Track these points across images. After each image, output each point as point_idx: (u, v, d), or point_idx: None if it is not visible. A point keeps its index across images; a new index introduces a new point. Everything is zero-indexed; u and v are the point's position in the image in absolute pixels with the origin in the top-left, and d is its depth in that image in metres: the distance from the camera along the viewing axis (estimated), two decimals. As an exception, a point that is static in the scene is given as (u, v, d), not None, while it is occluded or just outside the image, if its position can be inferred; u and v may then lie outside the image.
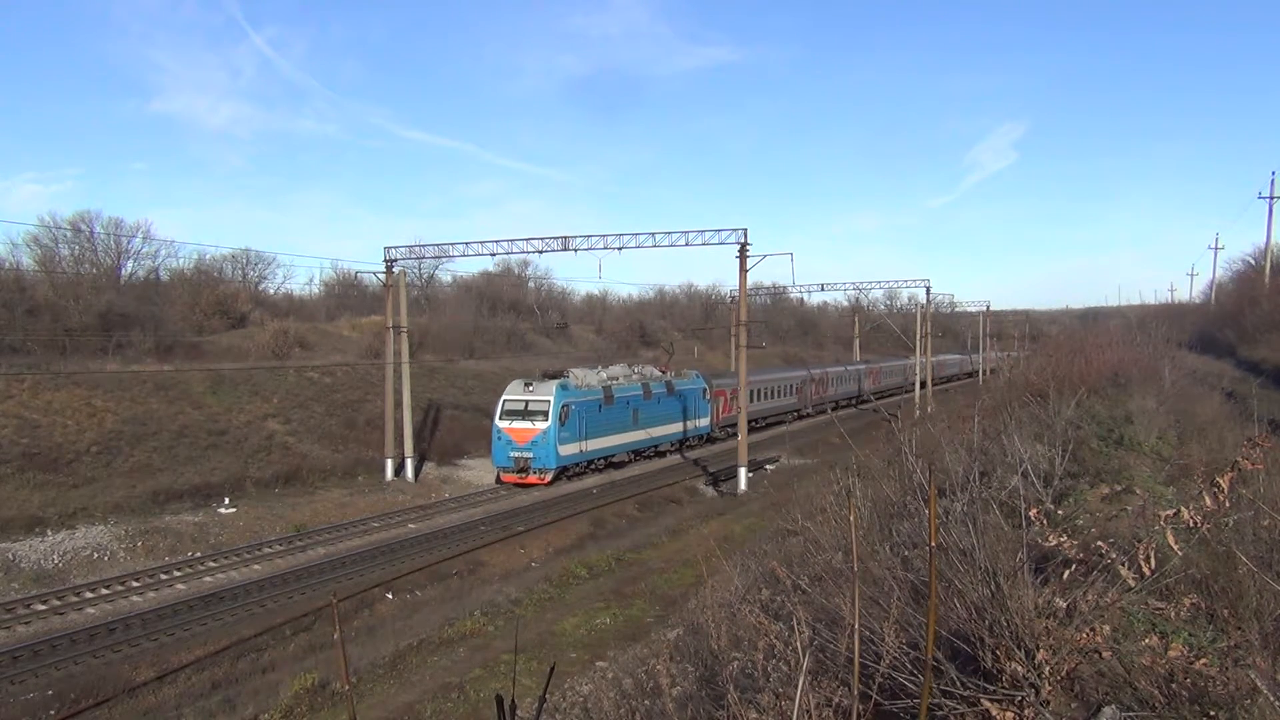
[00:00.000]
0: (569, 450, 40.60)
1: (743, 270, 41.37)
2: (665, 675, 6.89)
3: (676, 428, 49.85)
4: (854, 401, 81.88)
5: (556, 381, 40.77)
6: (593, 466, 44.07)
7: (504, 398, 41.15)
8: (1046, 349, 40.20)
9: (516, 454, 39.33)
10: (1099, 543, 5.49)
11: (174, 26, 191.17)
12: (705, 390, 52.62)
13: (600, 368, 47.63)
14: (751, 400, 57.26)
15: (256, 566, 26.92)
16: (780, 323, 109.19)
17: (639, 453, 48.00)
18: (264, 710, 16.90)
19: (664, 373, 50.89)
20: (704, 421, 53.14)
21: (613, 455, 44.77)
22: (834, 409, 76.44)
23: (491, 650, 19.76)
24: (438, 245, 46.77)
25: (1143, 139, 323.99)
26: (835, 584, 7.29)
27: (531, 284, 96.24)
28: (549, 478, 39.41)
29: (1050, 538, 5.55)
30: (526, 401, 39.91)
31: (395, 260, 45.61)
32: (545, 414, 39.41)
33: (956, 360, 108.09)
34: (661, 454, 50.51)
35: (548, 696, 12.36)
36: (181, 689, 18.53)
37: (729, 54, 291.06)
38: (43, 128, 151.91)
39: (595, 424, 41.93)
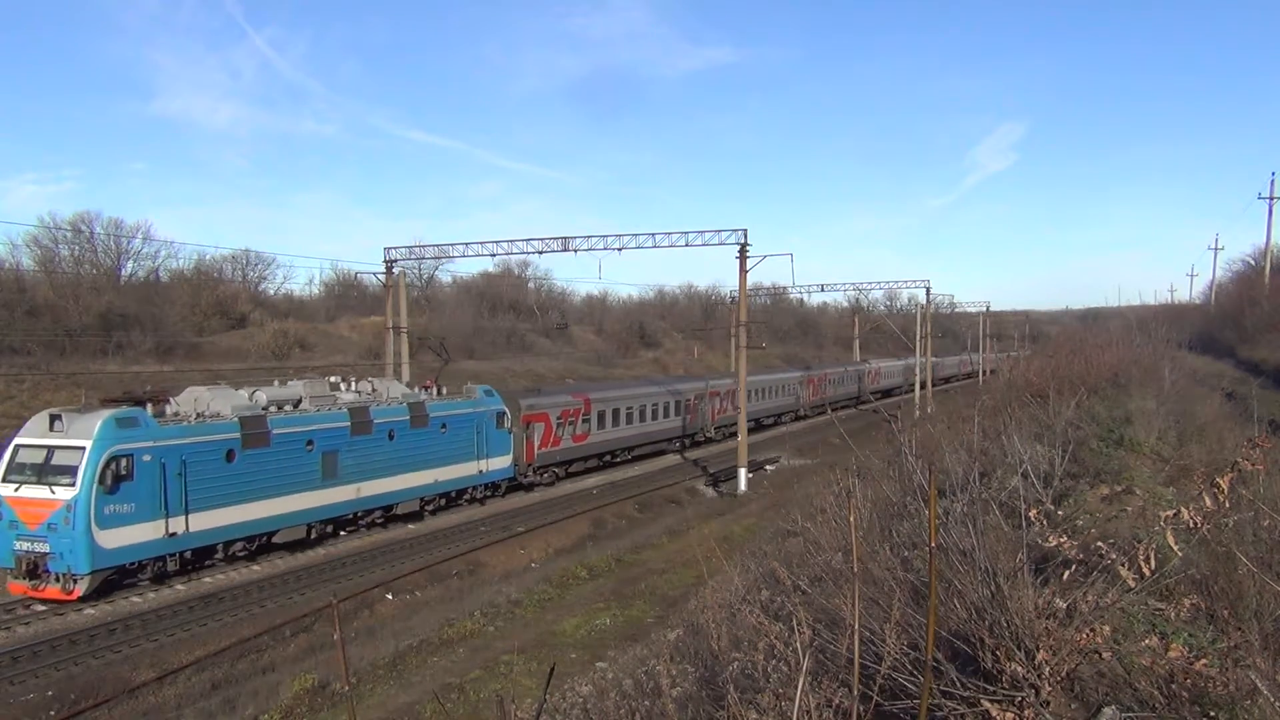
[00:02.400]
0: (132, 535, 23.27)
1: (743, 271, 41.38)
2: (665, 676, 6.89)
3: (427, 477, 32.45)
4: (853, 403, 79.33)
5: (107, 414, 23.38)
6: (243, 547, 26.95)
7: (15, 442, 23.80)
8: (1046, 349, 40.20)
9: (24, 544, 22.36)
10: (1099, 543, 5.50)
11: (174, 27, 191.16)
12: (502, 416, 36.10)
13: (259, 388, 28.89)
14: (750, 400, 55.26)
15: (256, 567, 26.91)
16: (780, 323, 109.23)
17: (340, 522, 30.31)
18: (264, 711, 16.90)
19: (427, 389, 35.08)
20: (500, 462, 36.25)
21: (266, 534, 27.37)
22: (825, 410, 73.11)
23: (491, 651, 19.76)
24: (438, 246, 46.88)
25: (1143, 139, 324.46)
26: (835, 585, 7.30)
27: (531, 284, 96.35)
28: (80, 589, 22.35)
29: (1050, 538, 5.55)
30: (48, 449, 23.08)
31: (395, 261, 45.65)
32: (73, 473, 22.42)
33: (953, 362, 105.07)
34: (407, 516, 33.01)
35: (548, 697, 12.36)
36: (181, 689, 18.53)
37: (729, 54, 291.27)
38: (43, 128, 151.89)
39: (213, 484, 25.06)
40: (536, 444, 39.14)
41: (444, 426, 33.26)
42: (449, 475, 33.96)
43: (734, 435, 53.49)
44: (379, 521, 31.69)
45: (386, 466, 30.86)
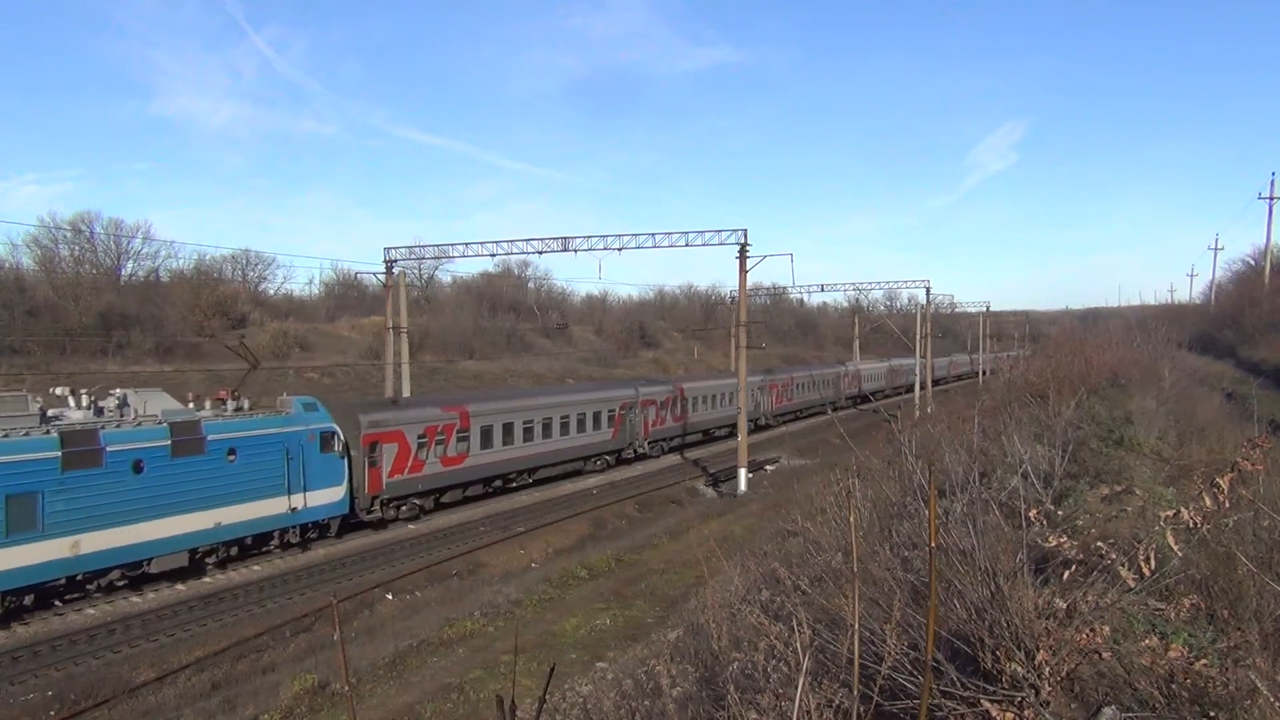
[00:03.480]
0: None
1: (742, 271, 41.37)
2: (665, 676, 6.89)
3: (202, 520, 24.86)
4: (829, 409, 72.16)
5: None
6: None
7: None
8: (1046, 350, 40.21)
9: None
10: (1099, 543, 5.50)
11: (174, 27, 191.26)
12: (330, 436, 28.70)
13: None
14: (694, 409, 52.13)
15: (256, 567, 26.90)
16: (780, 323, 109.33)
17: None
18: (264, 711, 16.89)
19: (221, 402, 27.67)
20: (326, 495, 28.62)
21: None
22: (797, 417, 67.52)
23: (491, 651, 19.75)
24: (438, 246, 46.86)
25: (1143, 139, 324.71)
26: (835, 585, 7.30)
27: (531, 285, 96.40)
28: None
29: (1050, 538, 5.55)
30: None
31: (395, 261, 45.64)
32: None
33: (942, 363, 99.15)
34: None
35: (548, 697, 12.36)
36: (181, 689, 18.53)
37: (729, 55, 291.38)
38: (43, 128, 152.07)
39: None
40: (385, 470, 31.24)
41: (232, 453, 25.51)
42: (240, 516, 25.89)
43: (675, 450, 50.66)
44: (120, 584, 23.55)
45: (129, 510, 23.13)
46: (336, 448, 28.89)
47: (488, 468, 36.59)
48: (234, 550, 26.36)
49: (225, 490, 25.45)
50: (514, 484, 38.64)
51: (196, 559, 25.10)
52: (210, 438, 25.27)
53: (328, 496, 28.72)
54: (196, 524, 24.81)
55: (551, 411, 40.58)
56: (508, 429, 37.38)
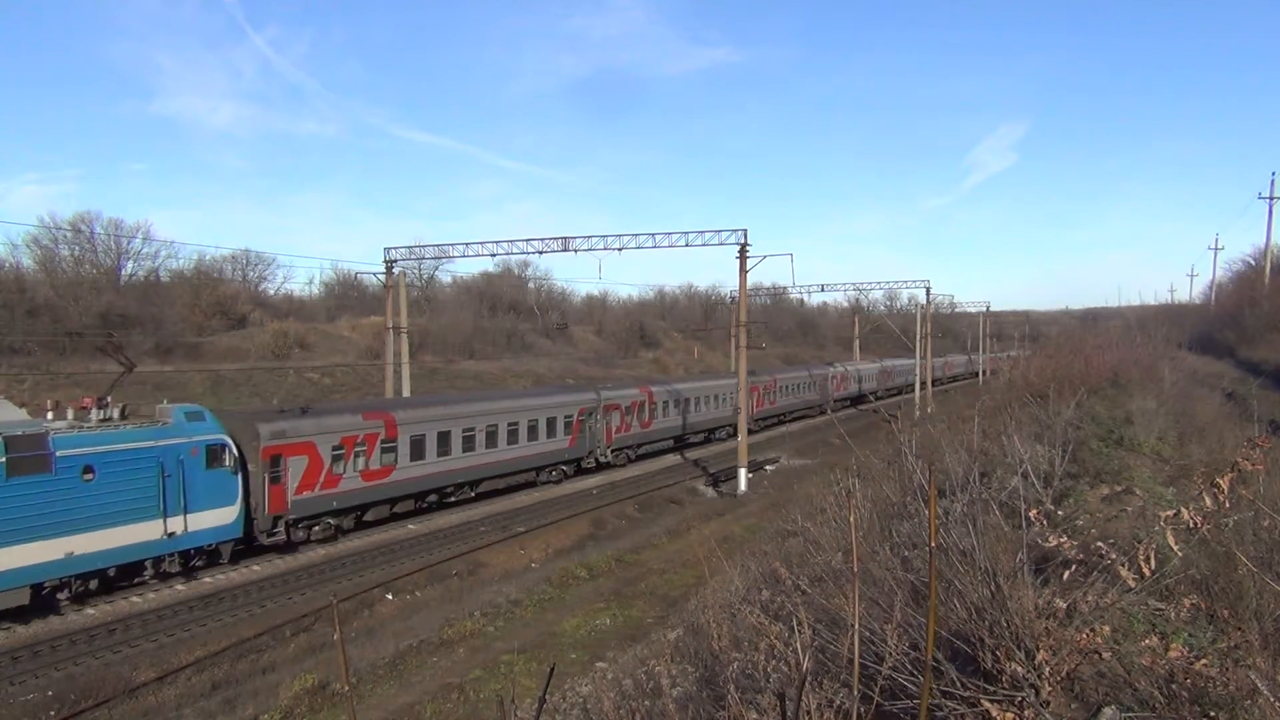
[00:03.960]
0: None
1: (743, 271, 41.38)
2: (666, 676, 6.89)
3: (49, 550, 21.44)
4: (815, 412, 69.31)
5: None
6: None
7: None
8: (1046, 350, 40.22)
9: None
10: (1099, 543, 5.50)
11: (174, 27, 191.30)
12: (218, 450, 25.28)
13: None
14: (665, 413, 49.27)
15: (256, 567, 26.90)
16: (780, 323, 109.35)
17: None
18: (264, 711, 16.89)
19: (84, 410, 23.98)
20: (213, 517, 25.25)
21: None
22: (781, 421, 64.19)
23: (491, 651, 19.76)
24: (438, 246, 46.89)
25: (1143, 139, 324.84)
26: (835, 585, 7.30)
27: (531, 285, 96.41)
28: None
29: (1050, 538, 5.55)
30: None
31: (395, 261, 45.67)
32: None
33: (935, 364, 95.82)
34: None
35: (547, 697, 12.37)
36: (181, 690, 18.53)
37: (729, 55, 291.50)
38: (43, 128, 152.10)
39: None
40: (291, 486, 27.57)
41: (89, 471, 22.03)
42: (100, 544, 22.37)
43: (645, 458, 47.71)
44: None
45: None
46: (227, 462, 25.35)
47: (419, 481, 33.05)
48: (93, 584, 22.73)
49: (80, 514, 21.86)
50: (452, 499, 35.11)
51: (43, 595, 21.59)
52: (60, 453, 21.56)
53: (216, 519, 25.27)
54: (40, 555, 21.17)
55: (496, 418, 36.98)
56: (444, 438, 33.95)
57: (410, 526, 32.53)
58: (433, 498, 34.24)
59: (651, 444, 49.21)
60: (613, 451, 44.82)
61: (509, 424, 37.60)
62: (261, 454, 26.67)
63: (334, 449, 29.35)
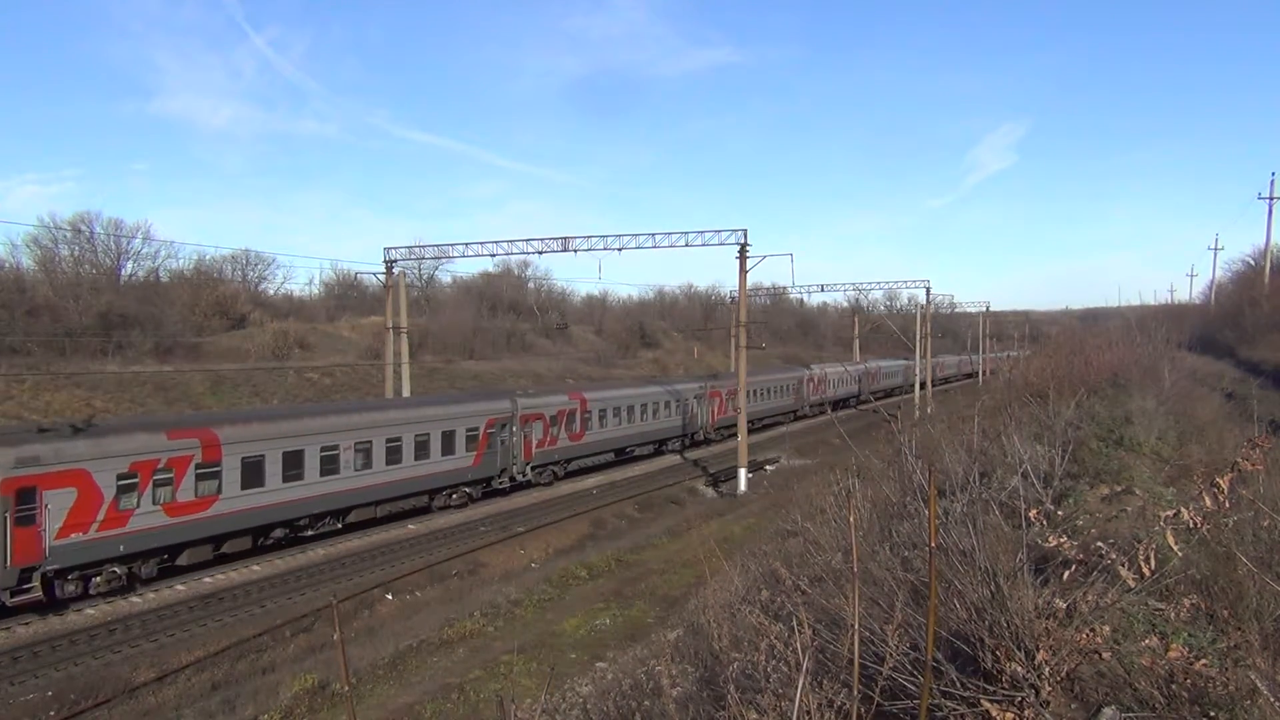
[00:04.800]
0: None
1: (742, 271, 41.39)
2: (666, 676, 6.89)
3: None
4: (789, 418, 64.71)
5: None
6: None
7: None
8: (1046, 350, 40.21)
9: None
10: (1099, 543, 5.49)
11: (174, 27, 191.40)
12: None
13: None
14: (602, 423, 43.95)
15: (256, 567, 26.90)
16: (780, 323, 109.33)
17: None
18: (264, 711, 16.91)
19: None
20: None
21: None
22: (750, 429, 55.73)
23: (491, 651, 19.76)
24: (438, 246, 46.95)
25: (1143, 139, 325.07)
26: (836, 585, 7.29)
27: (531, 285, 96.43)
28: None
29: (1050, 538, 5.55)
30: None
31: (395, 261, 45.68)
32: None
33: (900, 367, 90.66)
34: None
35: (547, 697, 12.36)
36: (181, 690, 18.54)
37: (729, 55, 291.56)
38: (43, 128, 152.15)
39: None
40: (50, 528, 21.73)
41: None
42: None
43: (574, 475, 42.35)
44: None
45: None
46: None
47: (255, 514, 26.66)
48: None
49: None
50: (309, 532, 29.18)
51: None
52: None
53: None
54: None
55: (370, 433, 30.78)
56: (293, 459, 27.79)
57: (410, 526, 32.53)
58: (280, 533, 28.08)
59: (585, 459, 43.39)
60: (533, 469, 39.00)
61: (389, 440, 31.57)
62: (3, 487, 20.97)
63: (121, 477, 23.39)
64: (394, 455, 31.81)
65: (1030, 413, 17.43)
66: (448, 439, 34.37)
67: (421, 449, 33.07)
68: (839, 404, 75.31)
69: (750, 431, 57.06)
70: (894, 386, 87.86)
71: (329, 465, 29.15)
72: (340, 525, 30.34)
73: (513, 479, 38.12)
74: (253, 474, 26.63)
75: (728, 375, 58.93)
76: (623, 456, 47.37)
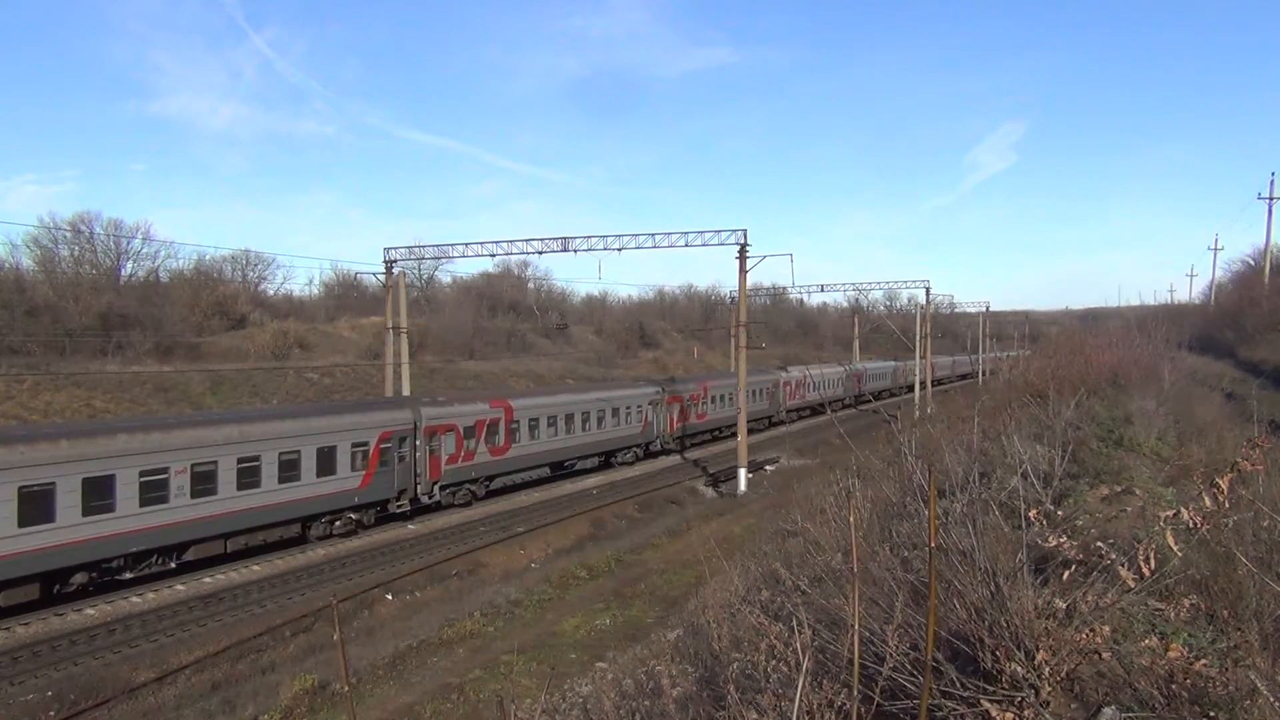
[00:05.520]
0: None
1: (742, 271, 41.38)
2: (666, 676, 6.89)
3: None
4: (764, 425, 59.98)
5: None
6: None
7: None
8: (1046, 350, 40.21)
9: None
10: (1099, 544, 5.50)
11: (174, 27, 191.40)
12: None
13: None
14: (533, 434, 39.01)
15: (256, 567, 26.89)
16: (780, 323, 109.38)
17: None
18: (264, 711, 16.91)
19: None
20: None
21: None
22: (715, 437, 54.27)
23: (491, 651, 19.76)
24: (437, 246, 46.88)
25: (1142, 139, 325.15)
26: (835, 585, 7.30)
27: (531, 285, 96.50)
28: None
29: (1050, 539, 5.55)
30: None
31: (395, 261, 45.66)
32: None
33: (888, 368, 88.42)
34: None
35: (547, 697, 12.35)
36: (181, 690, 18.54)
37: (729, 55, 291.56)
38: (42, 128, 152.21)
39: None
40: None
41: None
42: None
43: (494, 495, 36.93)
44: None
45: None
46: None
47: (39, 558, 21.42)
48: None
49: None
50: (127, 575, 23.89)
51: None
52: None
53: None
54: None
55: (214, 451, 25.44)
56: (98, 487, 22.58)
57: (410, 527, 32.52)
58: (81, 578, 22.89)
59: (512, 475, 38.92)
60: (444, 489, 34.28)
61: (243, 459, 26.16)
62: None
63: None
64: (249, 477, 26.32)
65: (1030, 413, 17.44)
66: (325, 457, 28.85)
67: (289, 469, 27.56)
68: (821, 409, 70.45)
69: (716, 438, 54.40)
70: (883, 389, 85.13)
71: (153, 492, 23.95)
72: (174, 565, 25.05)
73: (415, 502, 32.93)
74: (38, 507, 21.47)
75: (689, 379, 55.62)
76: (562, 471, 42.69)
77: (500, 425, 37.27)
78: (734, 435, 54.04)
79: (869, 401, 77.96)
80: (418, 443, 32.77)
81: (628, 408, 45.99)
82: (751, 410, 56.08)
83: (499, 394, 42.75)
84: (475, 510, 35.57)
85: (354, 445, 30.12)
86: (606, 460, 46.01)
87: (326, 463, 29.07)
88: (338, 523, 29.98)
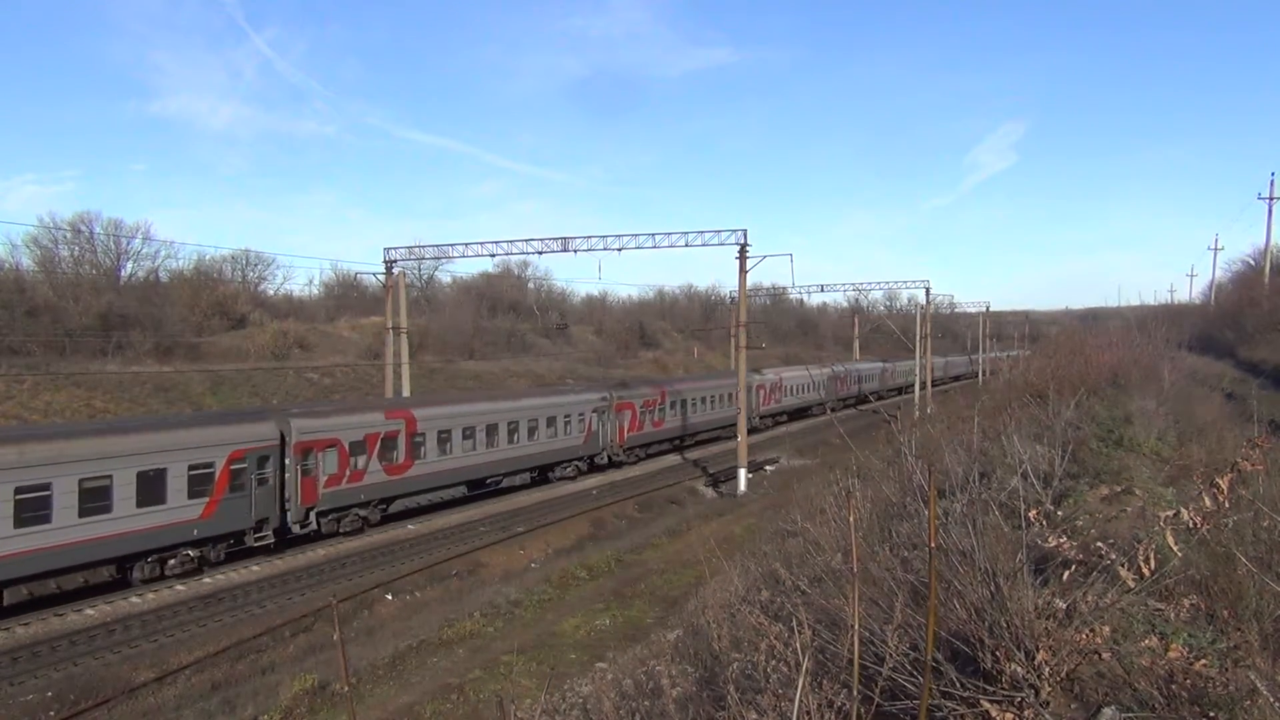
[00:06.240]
0: None
1: (742, 271, 41.38)
2: (666, 676, 6.89)
3: None
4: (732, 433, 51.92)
5: None
6: None
7: None
8: (1046, 350, 40.21)
9: None
10: (1098, 544, 5.49)
11: (175, 28, 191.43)
12: None
13: None
14: (445, 449, 33.86)
15: (256, 567, 26.89)
16: (780, 323, 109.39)
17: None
18: (263, 711, 16.91)
19: None
20: None
21: None
22: (680, 446, 50.29)
23: (491, 651, 19.76)
24: (437, 246, 46.86)
25: (1142, 139, 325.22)
26: (835, 585, 7.30)
27: (531, 285, 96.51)
28: None
29: (1050, 539, 5.55)
30: None
31: (395, 261, 45.66)
32: None
33: (875, 370, 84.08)
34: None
35: (547, 697, 12.35)
36: (181, 690, 18.54)
37: (729, 55, 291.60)
38: (43, 128, 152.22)
39: None
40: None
41: None
42: None
43: (391, 520, 31.29)
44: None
45: None
46: None
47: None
48: None
49: None
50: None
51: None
52: None
53: None
54: None
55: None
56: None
57: (410, 527, 32.52)
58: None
59: (415, 496, 33.71)
60: (322, 515, 29.03)
61: (24, 489, 21.15)
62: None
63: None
64: (33, 510, 21.28)
65: (1030, 413, 17.43)
66: (150, 482, 23.88)
67: (94, 499, 22.50)
68: (802, 412, 66.55)
69: (671, 450, 50.24)
70: (869, 392, 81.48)
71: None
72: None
73: (284, 532, 27.90)
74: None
75: (643, 382, 51.17)
76: (479, 491, 37.36)
77: (399, 439, 31.95)
78: (699, 444, 52.83)
79: (851, 406, 74.05)
80: (286, 461, 27.59)
81: (566, 416, 40.99)
82: (713, 417, 53.47)
83: (399, 403, 37.46)
84: (475, 510, 35.40)
85: (192, 467, 24.95)
86: (543, 476, 40.77)
87: (151, 490, 23.90)
88: (171, 562, 24.75)
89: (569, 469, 41.97)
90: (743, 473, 41.42)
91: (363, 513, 30.83)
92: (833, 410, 68.48)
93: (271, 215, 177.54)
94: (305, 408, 32.85)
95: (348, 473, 29.74)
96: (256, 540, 27.03)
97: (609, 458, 44.57)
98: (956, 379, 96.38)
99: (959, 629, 5.36)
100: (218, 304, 62.57)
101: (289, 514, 27.91)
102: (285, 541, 28.14)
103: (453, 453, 34.33)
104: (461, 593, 25.64)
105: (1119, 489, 10.41)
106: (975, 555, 5.73)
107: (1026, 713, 4.79)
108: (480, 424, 35.86)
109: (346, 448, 29.71)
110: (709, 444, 53.54)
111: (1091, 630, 4.96)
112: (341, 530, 30.03)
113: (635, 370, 77.60)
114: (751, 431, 54.15)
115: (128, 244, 61.79)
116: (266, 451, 27.03)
